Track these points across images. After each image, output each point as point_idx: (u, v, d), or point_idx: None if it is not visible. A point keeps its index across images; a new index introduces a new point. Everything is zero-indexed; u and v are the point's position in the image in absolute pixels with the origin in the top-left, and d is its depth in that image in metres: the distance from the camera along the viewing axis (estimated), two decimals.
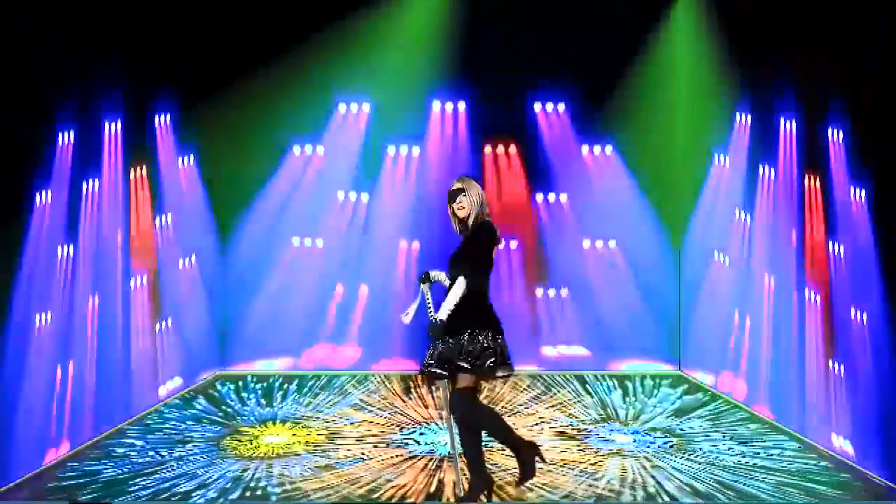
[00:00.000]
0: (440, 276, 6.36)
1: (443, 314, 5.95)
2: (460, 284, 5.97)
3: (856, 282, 7.23)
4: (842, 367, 7.42)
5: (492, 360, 6.02)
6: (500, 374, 6.10)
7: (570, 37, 10.37)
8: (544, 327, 10.63)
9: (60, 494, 6.63)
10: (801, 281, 8.07)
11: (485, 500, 6.16)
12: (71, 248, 7.57)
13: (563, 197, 10.63)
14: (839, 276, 7.45)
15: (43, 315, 7.19)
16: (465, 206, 6.17)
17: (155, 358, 9.09)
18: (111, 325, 8.22)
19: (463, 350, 6.01)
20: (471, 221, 6.18)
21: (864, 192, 7.10)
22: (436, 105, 10.57)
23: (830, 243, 7.57)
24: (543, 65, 10.44)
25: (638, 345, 10.61)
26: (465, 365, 5.99)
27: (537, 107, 10.57)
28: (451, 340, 6.01)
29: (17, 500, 6.59)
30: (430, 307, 6.16)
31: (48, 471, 7.10)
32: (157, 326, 9.17)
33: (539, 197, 10.62)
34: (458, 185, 6.22)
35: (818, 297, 7.78)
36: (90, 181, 7.88)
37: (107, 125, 8.18)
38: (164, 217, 9.30)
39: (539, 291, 10.64)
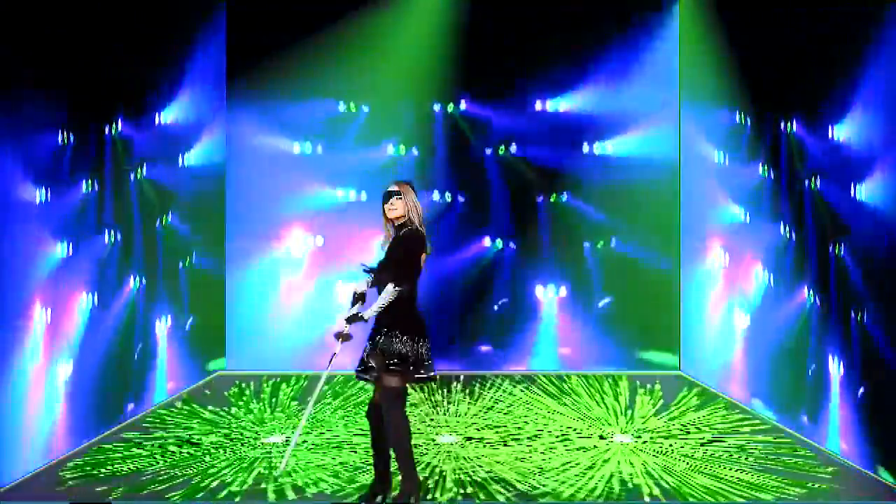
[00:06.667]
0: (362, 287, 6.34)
1: (369, 314, 6.06)
2: (390, 292, 6.04)
3: (856, 281, 7.23)
4: (841, 364, 7.42)
5: (412, 363, 6.08)
6: (419, 377, 6.13)
7: (570, 36, 10.40)
8: (544, 328, 10.64)
9: (61, 494, 6.64)
10: (800, 280, 8.07)
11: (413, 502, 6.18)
12: (71, 247, 7.57)
13: (564, 197, 10.65)
14: (839, 276, 7.45)
15: (43, 315, 7.20)
16: (398, 209, 6.22)
17: (155, 358, 9.10)
18: (111, 325, 8.23)
19: (392, 352, 6.06)
20: (402, 223, 6.23)
21: (863, 192, 7.10)
22: (436, 105, 10.60)
23: (830, 243, 7.57)
24: (544, 64, 10.46)
25: (637, 345, 10.62)
26: (394, 367, 6.05)
27: (538, 106, 10.59)
28: (381, 341, 6.08)
29: (17, 500, 6.59)
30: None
31: (48, 470, 7.11)
32: (157, 326, 9.17)
33: (539, 197, 10.64)
34: (394, 188, 6.27)
35: (818, 297, 7.78)
36: (90, 181, 7.87)
37: (107, 125, 8.18)
38: (164, 217, 9.31)
39: (539, 291, 10.65)
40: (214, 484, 6.82)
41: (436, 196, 10.62)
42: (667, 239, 10.60)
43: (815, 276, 7.83)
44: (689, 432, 8.15)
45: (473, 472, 7.02)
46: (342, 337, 6.13)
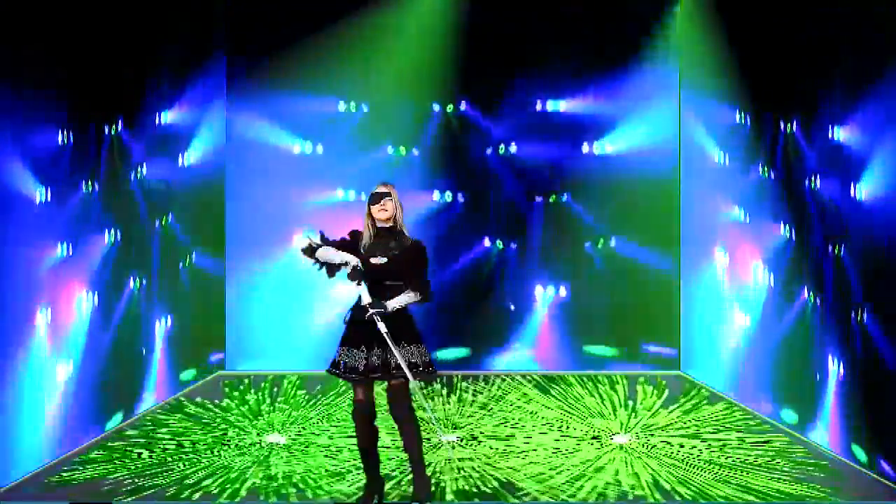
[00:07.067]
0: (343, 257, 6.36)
1: (391, 306, 6.10)
2: (413, 300, 6.15)
3: (856, 281, 7.23)
4: (840, 364, 7.42)
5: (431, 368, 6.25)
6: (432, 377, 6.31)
7: (570, 35, 10.41)
8: (544, 328, 10.65)
9: (61, 494, 6.63)
10: (801, 280, 8.07)
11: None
12: (70, 247, 7.58)
13: (564, 197, 10.64)
14: (839, 276, 7.45)
15: (43, 314, 7.20)
16: (389, 210, 6.26)
17: (155, 358, 9.10)
18: (111, 324, 8.23)
19: (428, 360, 6.21)
20: (390, 226, 6.27)
21: (863, 192, 7.10)
22: (436, 105, 10.60)
23: (830, 243, 7.56)
24: (544, 64, 10.46)
25: (637, 345, 10.62)
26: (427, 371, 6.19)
27: (538, 106, 10.59)
28: (413, 351, 6.16)
29: (17, 500, 6.59)
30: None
31: (48, 470, 7.10)
32: (157, 326, 9.17)
33: (539, 197, 10.64)
34: (384, 189, 6.30)
35: (818, 297, 7.78)
36: (90, 181, 7.88)
37: (106, 125, 8.18)
38: (164, 217, 9.30)
39: (539, 291, 10.66)
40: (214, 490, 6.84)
41: (436, 196, 10.61)
42: (667, 239, 10.59)
43: (815, 277, 7.83)
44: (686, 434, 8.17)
45: (482, 480, 7.00)
46: (376, 314, 6.09)
